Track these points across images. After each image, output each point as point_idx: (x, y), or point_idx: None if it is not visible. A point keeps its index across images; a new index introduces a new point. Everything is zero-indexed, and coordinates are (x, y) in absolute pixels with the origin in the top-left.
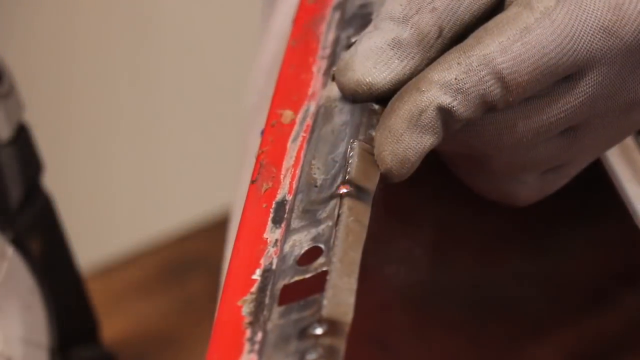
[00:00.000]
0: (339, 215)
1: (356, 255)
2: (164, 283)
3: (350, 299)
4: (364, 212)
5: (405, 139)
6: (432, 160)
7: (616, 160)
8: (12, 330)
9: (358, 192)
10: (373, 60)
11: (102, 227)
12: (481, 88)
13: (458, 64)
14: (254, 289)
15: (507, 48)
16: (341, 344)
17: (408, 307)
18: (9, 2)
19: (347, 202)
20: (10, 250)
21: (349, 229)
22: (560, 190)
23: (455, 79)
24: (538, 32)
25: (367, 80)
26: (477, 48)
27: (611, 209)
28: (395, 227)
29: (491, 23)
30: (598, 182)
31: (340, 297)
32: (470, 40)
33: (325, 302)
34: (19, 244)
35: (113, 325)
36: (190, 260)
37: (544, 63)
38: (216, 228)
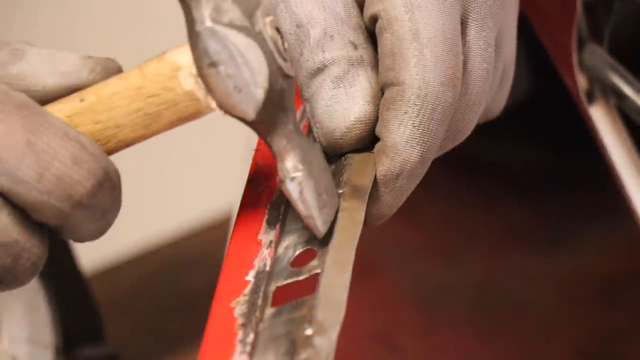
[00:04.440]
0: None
1: (349, 254)
2: (164, 283)
3: (342, 297)
4: (359, 209)
5: None
6: (443, 159)
7: (619, 161)
8: (18, 330)
9: (353, 191)
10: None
11: None
12: None
13: None
14: (247, 290)
15: None
16: (332, 343)
17: (417, 306)
18: (9, 2)
19: (341, 203)
20: None
21: (342, 229)
22: (571, 189)
23: None
24: None
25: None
26: None
27: (622, 207)
28: (405, 226)
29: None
30: (611, 182)
31: (332, 296)
32: None
33: (316, 302)
34: None
35: (114, 324)
36: (190, 260)
37: None
38: (216, 228)
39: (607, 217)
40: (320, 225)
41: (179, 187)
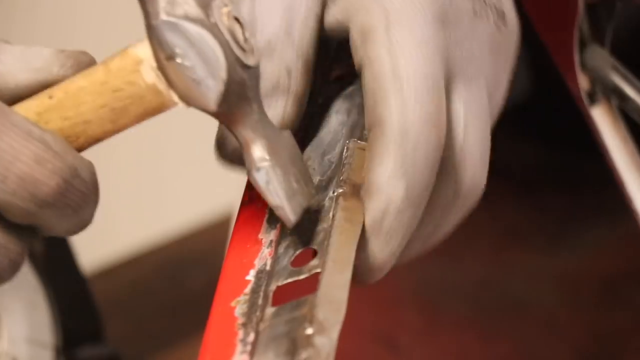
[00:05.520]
0: (333, 216)
1: (349, 253)
2: (164, 283)
3: (343, 296)
4: (359, 208)
5: None
6: None
7: (621, 161)
8: (17, 330)
9: (353, 190)
10: None
11: (104, 228)
12: None
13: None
14: (247, 289)
15: None
16: (333, 343)
17: (417, 305)
18: (9, 2)
19: (341, 202)
20: None
21: (342, 229)
22: (572, 189)
23: None
24: None
25: None
26: None
27: (623, 207)
28: None
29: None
30: (612, 182)
31: (332, 296)
32: None
33: (316, 301)
34: None
35: (114, 324)
36: (190, 260)
37: None
38: (216, 228)
39: (608, 217)
40: (290, 215)
41: (179, 187)
